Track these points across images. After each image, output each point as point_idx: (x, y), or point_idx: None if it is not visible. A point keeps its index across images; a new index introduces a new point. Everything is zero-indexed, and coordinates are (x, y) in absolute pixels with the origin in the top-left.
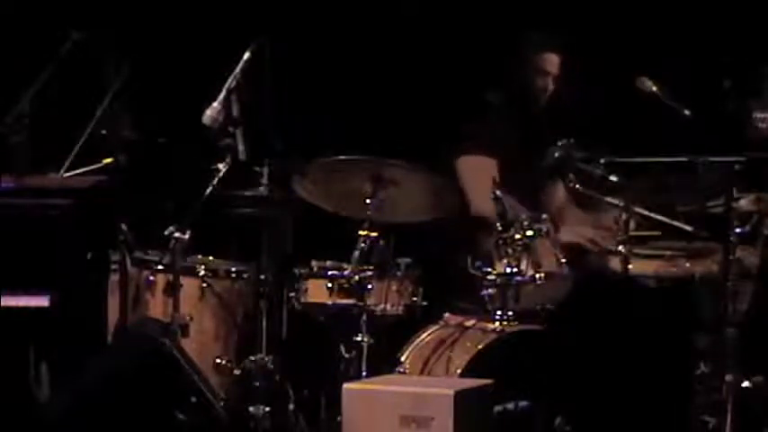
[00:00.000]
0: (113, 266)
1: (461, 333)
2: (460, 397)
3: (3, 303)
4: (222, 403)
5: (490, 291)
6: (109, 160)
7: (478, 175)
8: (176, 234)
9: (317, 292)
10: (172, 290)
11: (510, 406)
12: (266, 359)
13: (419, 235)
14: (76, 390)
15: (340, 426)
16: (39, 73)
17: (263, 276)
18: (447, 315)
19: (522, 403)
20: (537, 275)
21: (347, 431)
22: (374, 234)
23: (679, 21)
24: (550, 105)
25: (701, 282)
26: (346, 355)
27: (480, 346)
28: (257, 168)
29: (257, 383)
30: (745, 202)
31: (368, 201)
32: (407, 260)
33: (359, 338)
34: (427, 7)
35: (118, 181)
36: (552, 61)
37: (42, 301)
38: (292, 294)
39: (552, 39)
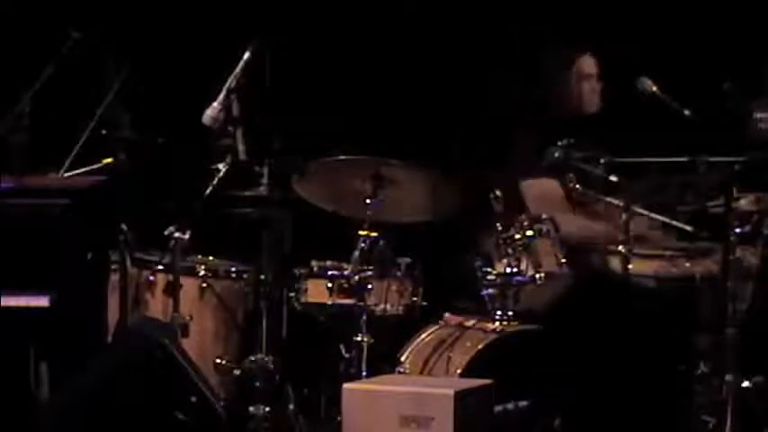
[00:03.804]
0: (113, 266)
1: (461, 333)
2: (460, 397)
3: (3, 303)
4: (222, 403)
5: (490, 291)
6: (109, 160)
7: (547, 200)
8: (176, 234)
9: (316, 292)
10: (172, 290)
11: (510, 406)
12: (266, 359)
13: (419, 235)
14: (77, 389)
15: (340, 426)
16: (39, 73)
17: (263, 276)
18: (447, 315)
19: (522, 403)
20: (537, 275)
21: (347, 431)
22: (374, 234)
23: (679, 20)
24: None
25: (701, 282)
26: (346, 355)
27: (480, 346)
28: (257, 168)
29: (257, 383)
30: (745, 202)
31: (368, 201)
32: (407, 260)
33: (359, 338)
34: (427, 6)
35: (118, 181)
36: (589, 62)
37: (42, 301)
38: (292, 294)
39: (573, 46)
